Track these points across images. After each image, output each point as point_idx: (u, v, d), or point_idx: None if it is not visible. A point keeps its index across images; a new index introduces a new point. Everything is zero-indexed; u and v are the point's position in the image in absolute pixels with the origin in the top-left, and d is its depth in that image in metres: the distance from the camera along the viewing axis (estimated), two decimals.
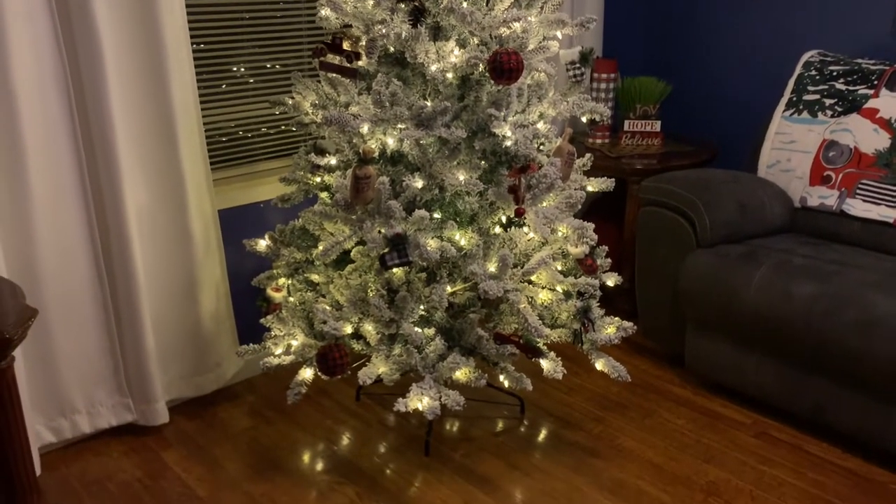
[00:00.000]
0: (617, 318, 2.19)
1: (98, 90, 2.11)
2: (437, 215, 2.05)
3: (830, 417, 2.27)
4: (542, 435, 2.42)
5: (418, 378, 2.01)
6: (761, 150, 2.85)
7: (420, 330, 2.02)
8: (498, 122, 1.94)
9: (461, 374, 2.02)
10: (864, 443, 2.24)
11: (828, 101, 2.70)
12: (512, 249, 2.06)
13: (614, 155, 3.07)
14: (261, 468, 2.26)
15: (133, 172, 2.28)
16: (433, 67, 1.98)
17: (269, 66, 2.70)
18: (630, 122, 3.19)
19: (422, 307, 2.07)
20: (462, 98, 2.04)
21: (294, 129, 2.68)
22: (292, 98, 2.25)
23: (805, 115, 2.75)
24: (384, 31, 1.96)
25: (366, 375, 1.97)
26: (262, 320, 2.25)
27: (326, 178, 2.23)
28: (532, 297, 2.11)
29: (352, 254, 2.14)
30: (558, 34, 2.12)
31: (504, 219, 2.12)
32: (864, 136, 2.58)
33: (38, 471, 2.20)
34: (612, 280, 2.30)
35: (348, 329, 2.05)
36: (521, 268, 2.04)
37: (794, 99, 2.80)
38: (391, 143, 2.04)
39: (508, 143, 1.98)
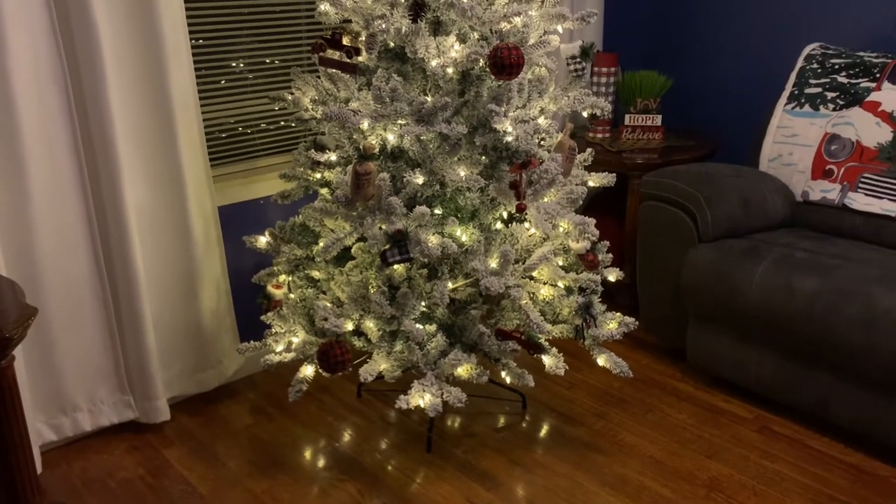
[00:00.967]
0: (618, 314, 2.19)
1: (97, 87, 2.10)
2: (438, 211, 2.04)
3: (833, 412, 2.27)
4: (544, 431, 2.41)
5: (420, 375, 2.01)
6: (763, 143, 2.84)
7: (421, 326, 2.02)
8: (499, 117, 1.93)
9: (463, 371, 2.01)
10: (866, 437, 2.24)
11: (829, 95, 2.69)
12: (513, 245, 2.06)
13: (615, 149, 3.06)
14: (262, 465, 2.26)
15: (133, 169, 2.27)
16: (433, 63, 1.97)
17: (268, 61, 2.68)
18: (631, 117, 3.18)
19: (423, 304, 2.06)
20: (462, 93, 2.03)
21: (294, 125, 2.67)
22: (292, 94, 2.24)
23: (807, 108, 2.74)
24: (384, 26, 1.95)
25: (367, 372, 1.97)
26: (262, 317, 2.24)
27: (326, 174, 2.22)
28: (534, 293, 2.10)
29: (353, 250, 2.13)
30: (559, 28, 2.10)
31: (505, 214, 2.11)
32: (866, 129, 2.57)
33: (39, 469, 2.20)
34: (613, 275, 2.29)
35: (349, 326, 2.05)
36: (523, 264, 2.03)
37: (796, 92, 2.79)
38: (391, 138, 2.03)
39: (509, 138, 1.97)
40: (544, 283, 2.10)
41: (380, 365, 2.01)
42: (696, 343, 2.59)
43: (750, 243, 2.48)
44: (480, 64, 1.94)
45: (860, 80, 2.64)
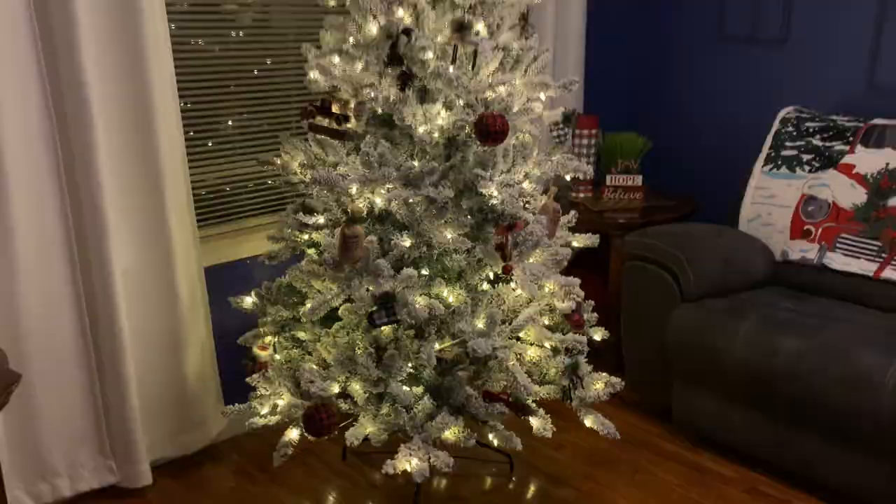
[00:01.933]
0: (605, 374, 2.19)
1: (86, 150, 2.12)
2: (424, 272, 2.06)
3: (819, 473, 2.27)
4: (532, 492, 2.40)
5: (406, 438, 1.99)
6: (742, 204, 2.90)
7: (408, 389, 2.01)
8: (484, 181, 1.97)
9: (450, 434, 2.00)
10: (853, 498, 2.24)
11: (805, 157, 2.77)
12: (500, 306, 2.07)
13: (597, 209, 3.11)
14: None
15: (120, 232, 2.27)
16: (421, 129, 2.01)
17: (257, 123, 2.72)
18: (612, 177, 3.24)
19: (410, 365, 2.06)
20: (448, 157, 2.07)
21: (282, 187, 2.69)
22: (280, 158, 2.27)
23: (784, 170, 2.81)
24: (373, 94, 2.00)
25: (353, 436, 1.96)
26: (248, 379, 2.23)
27: (314, 235, 2.24)
28: (521, 354, 2.11)
29: (340, 311, 2.13)
30: (542, 96, 2.17)
31: (491, 275, 2.13)
32: (841, 190, 2.64)
33: None
34: (598, 334, 2.31)
35: (335, 389, 2.04)
36: (510, 324, 2.04)
37: (773, 154, 2.86)
38: (379, 202, 2.06)
39: (495, 201, 2.00)
40: (531, 344, 2.12)
41: (366, 428, 2.00)
42: (681, 402, 2.60)
43: (732, 303, 2.51)
44: (466, 130, 1.99)
45: (834, 143, 2.72)
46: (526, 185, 2.14)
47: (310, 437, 2.00)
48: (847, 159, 2.66)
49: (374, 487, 2.42)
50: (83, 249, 2.23)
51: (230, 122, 2.67)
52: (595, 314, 2.28)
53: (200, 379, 2.53)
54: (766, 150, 2.90)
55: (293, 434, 2.13)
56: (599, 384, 2.16)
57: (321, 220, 2.17)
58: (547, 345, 2.13)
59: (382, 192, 2.03)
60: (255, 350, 2.29)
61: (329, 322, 2.18)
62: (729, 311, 2.46)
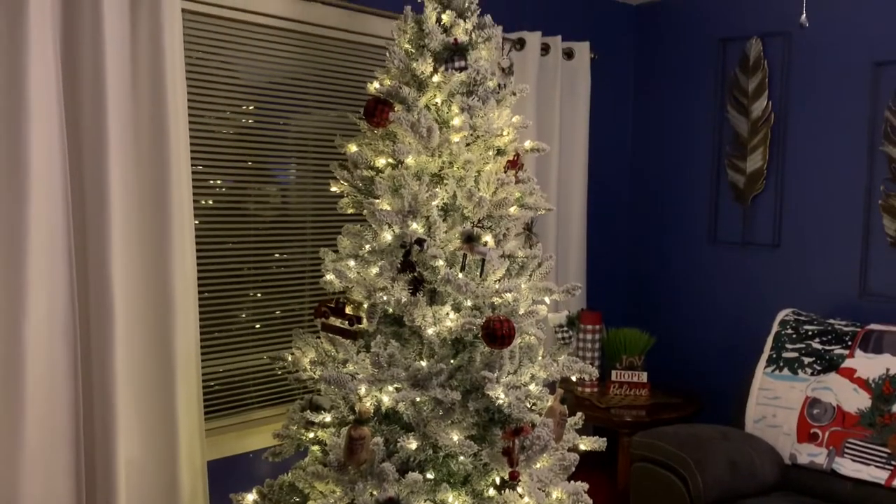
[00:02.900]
0: None
1: (104, 339, 2.18)
2: (430, 476, 2.05)
3: None
4: None
5: None
6: (747, 404, 2.91)
7: None
8: (491, 384, 2.01)
9: None
10: None
11: (806, 360, 2.82)
12: None
13: (603, 405, 3.11)
14: None
15: (129, 423, 2.28)
16: (430, 331, 2.08)
17: (271, 316, 2.80)
18: (617, 373, 3.28)
19: None
20: (456, 355, 2.12)
21: (291, 383, 2.72)
22: (292, 353, 2.33)
23: (786, 371, 2.85)
24: (385, 298, 2.09)
25: None
26: None
27: (320, 433, 2.24)
28: None
29: None
30: (546, 299, 2.26)
31: (498, 480, 2.11)
32: (845, 394, 2.66)
33: None
34: None
35: None
36: None
37: (774, 356, 2.91)
38: (386, 400, 2.08)
39: (502, 402, 2.03)
40: None
41: None
42: None
43: None
44: (474, 332, 2.06)
45: (833, 347, 2.78)
46: (532, 387, 2.18)
47: None
48: (848, 363, 2.71)
49: None
50: (90, 441, 2.23)
51: (244, 315, 2.75)
52: None
53: None
54: (767, 350, 2.95)
55: None
56: None
57: (328, 417, 2.18)
58: None
59: (390, 389, 2.07)
60: None
61: None
62: None
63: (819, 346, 2.81)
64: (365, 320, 2.12)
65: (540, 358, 2.24)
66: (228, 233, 2.67)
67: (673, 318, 3.68)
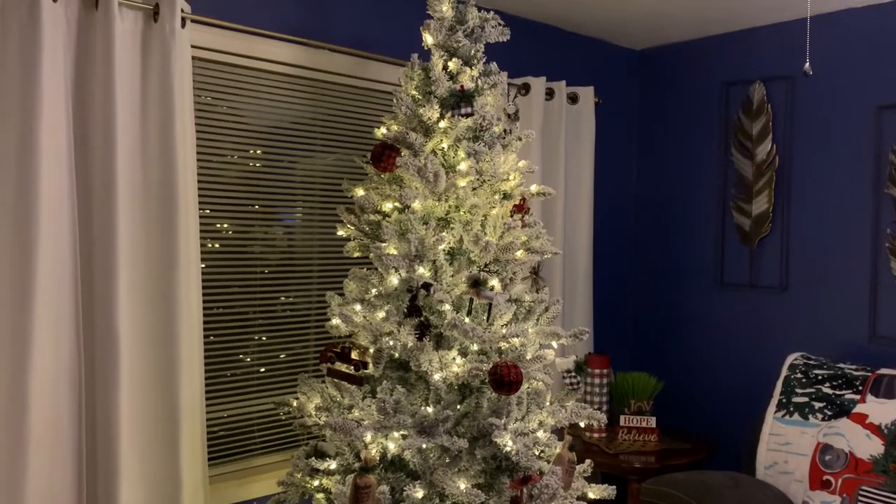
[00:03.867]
0: None
1: (108, 387, 2.17)
2: None
3: None
4: None
5: None
6: (757, 450, 2.86)
7: None
8: (499, 431, 1.98)
9: None
10: None
11: (817, 405, 2.78)
12: None
13: (612, 451, 3.07)
14: None
15: (131, 470, 2.25)
16: (436, 376, 2.06)
17: (275, 360, 2.79)
18: (625, 418, 3.24)
19: None
20: (463, 400, 2.10)
21: (297, 430, 2.69)
22: (297, 399, 2.31)
23: (796, 416, 2.81)
24: (391, 342, 2.08)
25: None
26: None
27: (325, 481, 2.21)
28: None
29: None
30: (553, 344, 2.24)
31: None
32: (857, 441, 2.62)
33: None
34: None
35: None
36: None
37: (784, 400, 2.87)
38: (392, 447, 2.06)
39: (509, 450, 2.00)
40: None
41: None
42: None
43: None
44: (481, 377, 2.04)
45: (844, 392, 2.74)
46: (541, 434, 2.15)
47: None
48: (859, 408, 2.67)
49: None
50: (92, 485, 2.20)
51: (249, 359, 2.73)
52: None
53: None
54: (776, 395, 2.91)
55: None
56: None
57: (333, 465, 2.15)
58: None
59: (396, 436, 2.04)
60: None
61: None
62: None
63: (829, 391, 2.78)
64: (371, 365, 2.11)
65: (548, 404, 2.22)
66: (234, 276, 2.66)
67: (681, 362, 3.65)
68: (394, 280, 2.14)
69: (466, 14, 2.27)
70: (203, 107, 2.54)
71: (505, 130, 2.32)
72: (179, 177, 2.28)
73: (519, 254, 2.18)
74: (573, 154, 3.43)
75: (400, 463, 2.08)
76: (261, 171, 2.71)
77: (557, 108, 3.33)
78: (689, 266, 3.66)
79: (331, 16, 2.78)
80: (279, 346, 2.80)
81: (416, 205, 2.14)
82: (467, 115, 2.19)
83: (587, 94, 3.45)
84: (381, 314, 2.14)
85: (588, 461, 2.38)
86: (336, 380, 2.21)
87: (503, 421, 2.01)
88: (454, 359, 2.11)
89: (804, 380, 2.86)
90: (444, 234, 2.13)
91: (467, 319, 2.08)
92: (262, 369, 2.76)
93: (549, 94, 3.30)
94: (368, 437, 2.00)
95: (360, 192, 2.29)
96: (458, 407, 2.10)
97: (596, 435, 3.27)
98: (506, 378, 1.96)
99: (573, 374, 2.42)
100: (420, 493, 1.98)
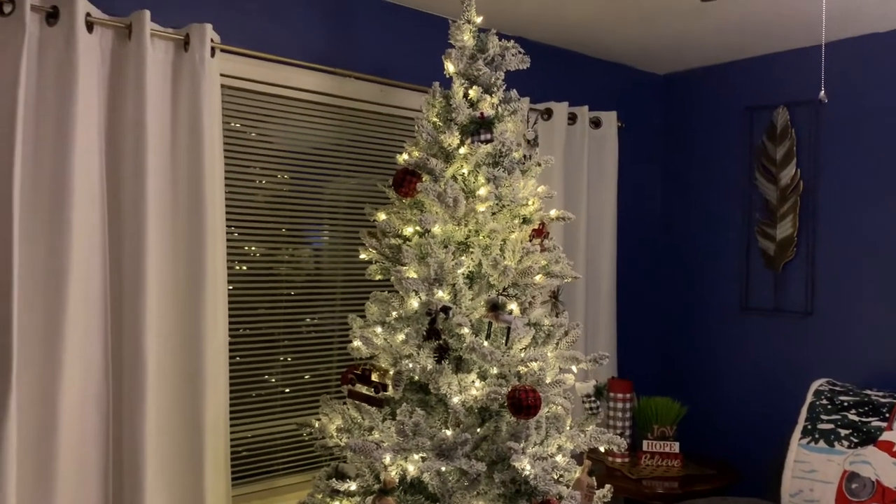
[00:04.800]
0: None
1: (135, 407, 2.21)
2: None
3: None
4: None
5: None
6: (782, 477, 2.83)
7: None
8: (517, 455, 1.99)
9: None
10: None
11: (843, 432, 2.74)
12: None
13: (635, 476, 3.05)
14: None
15: (157, 490, 2.28)
16: (455, 399, 2.08)
17: (305, 377, 2.82)
18: (649, 443, 3.21)
19: None
20: (482, 424, 2.11)
21: (318, 451, 2.72)
22: (318, 420, 2.34)
23: (822, 444, 2.77)
24: (411, 365, 2.10)
25: None
26: None
27: (345, 502, 2.23)
28: None
29: None
30: (573, 368, 2.25)
31: None
32: (884, 469, 2.58)
33: None
34: None
35: None
36: None
37: (809, 427, 2.84)
38: (412, 469, 2.07)
39: (528, 473, 2.00)
40: None
41: None
42: None
43: None
44: (499, 401, 2.05)
45: (871, 419, 2.70)
46: (559, 458, 2.15)
47: None
48: (886, 436, 2.63)
49: None
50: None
51: (273, 380, 2.78)
52: None
53: None
54: (801, 422, 2.88)
55: None
56: None
57: (353, 486, 2.17)
58: None
59: (415, 458, 2.06)
60: None
61: None
62: None
63: (856, 418, 2.74)
64: (391, 387, 2.13)
65: (567, 428, 2.22)
66: (261, 297, 2.71)
67: (705, 387, 3.62)
68: (414, 303, 2.17)
69: (487, 43, 2.32)
70: (232, 133, 2.61)
71: (524, 156, 2.35)
72: (208, 200, 2.34)
73: (538, 278, 2.20)
74: (596, 178, 3.45)
75: (419, 485, 2.09)
76: (287, 195, 2.77)
77: (580, 132, 3.35)
78: (713, 290, 3.64)
79: (356, 45, 2.85)
80: (304, 366, 2.84)
81: (436, 229, 2.17)
82: (487, 142, 2.22)
83: (610, 118, 3.47)
84: (400, 336, 2.17)
85: (608, 486, 2.37)
86: (357, 401, 2.24)
87: (522, 445, 2.02)
88: (473, 382, 2.13)
89: (830, 406, 2.83)
90: (463, 258, 2.16)
91: (486, 343, 2.10)
92: (287, 390, 2.80)
93: (572, 118, 3.33)
94: (388, 458, 2.02)
95: (382, 216, 2.33)
96: (478, 430, 2.12)
97: (619, 460, 3.25)
98: (524, 402, 1.97)
99: (593, 398, 2.43)
100: None
